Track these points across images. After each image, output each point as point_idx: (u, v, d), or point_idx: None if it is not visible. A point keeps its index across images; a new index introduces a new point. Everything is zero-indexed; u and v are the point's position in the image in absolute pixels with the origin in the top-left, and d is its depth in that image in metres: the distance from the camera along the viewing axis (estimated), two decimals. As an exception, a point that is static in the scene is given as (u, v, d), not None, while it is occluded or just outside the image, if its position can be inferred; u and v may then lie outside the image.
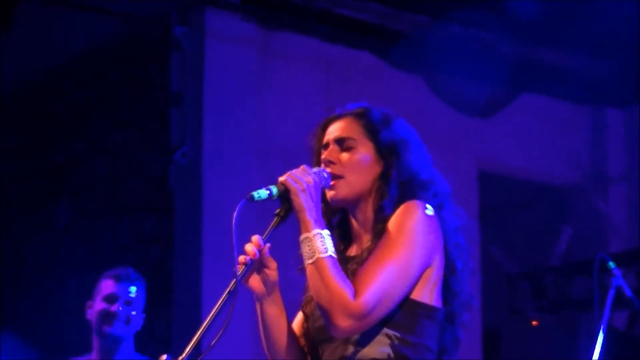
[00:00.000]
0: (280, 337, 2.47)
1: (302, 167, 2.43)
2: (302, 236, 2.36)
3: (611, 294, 3.67)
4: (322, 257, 2.33)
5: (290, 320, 2.52)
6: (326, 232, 2.37)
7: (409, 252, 2.35)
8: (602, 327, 3.60)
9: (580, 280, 6.41)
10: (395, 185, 2.46)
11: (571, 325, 6.77)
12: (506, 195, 7.17)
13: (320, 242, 2.34)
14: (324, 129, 2.56)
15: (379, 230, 2.41)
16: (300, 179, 2.38)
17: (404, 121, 2.57)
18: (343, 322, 2.29)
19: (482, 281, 5.34)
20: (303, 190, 2.36)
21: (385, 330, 2.36)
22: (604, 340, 3.58)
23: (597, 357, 3.60)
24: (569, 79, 6.62)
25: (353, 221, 2.52)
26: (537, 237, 7.14)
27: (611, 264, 3.73)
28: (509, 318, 6.91)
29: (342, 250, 2.52)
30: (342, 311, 2.29)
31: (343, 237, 2.55)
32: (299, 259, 2.41)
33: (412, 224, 2.37)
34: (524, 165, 6.95)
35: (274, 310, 2.46)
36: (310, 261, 2.34)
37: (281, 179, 2.40)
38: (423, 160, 2.52)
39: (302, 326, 2.54)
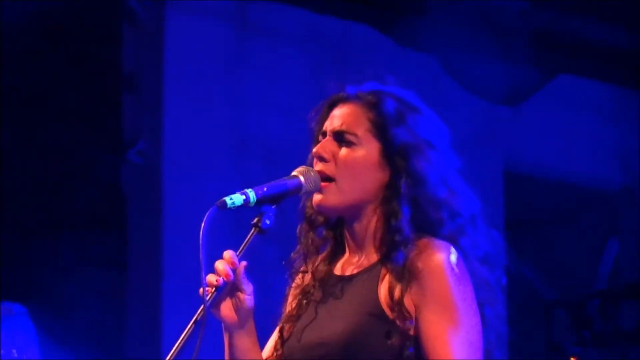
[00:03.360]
0: None
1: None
2: None
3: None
4: None
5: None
6: None
7: (474, 322, 2.38)
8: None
9: (630, 307, 6.42)
10: (407, 202, 2.44)
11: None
12: (538, 202, 7.18)
13: None
14: (330, 108, 2.53)
15: (401, 273, 2.38)
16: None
17: (433, 114, 2.53)
18: None
19: (512, 309, 5.31)
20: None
21: None
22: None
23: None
24: (615, 58, 6.62)
25: (347, 232, 2.51)
26: (578, 253, 7.18)
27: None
28: (546, 354, 6.92)
29: (327, 265, 2.52)
30: None
31: (332, 248, 2.55)
32: (286, 266, 2.41)
33: (461, 286, 2.37)
34: (560, 165, 7.01)
35: (245, 343, 2.45)
36: None
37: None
38: (443, 170, 2.49)
39: (273, 354, 2.52)
